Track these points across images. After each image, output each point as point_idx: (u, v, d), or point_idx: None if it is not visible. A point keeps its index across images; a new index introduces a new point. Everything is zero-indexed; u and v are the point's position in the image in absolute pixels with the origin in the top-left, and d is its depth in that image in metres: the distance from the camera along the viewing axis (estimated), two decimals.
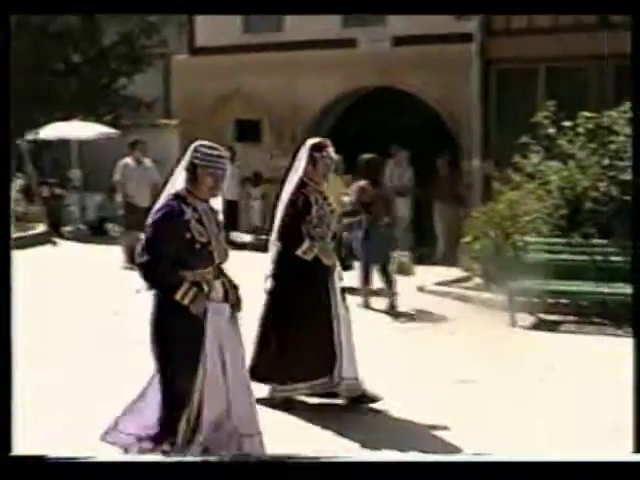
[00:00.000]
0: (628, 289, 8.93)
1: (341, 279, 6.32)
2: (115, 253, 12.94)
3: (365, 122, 15.25)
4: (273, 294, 6.19)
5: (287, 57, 16.02)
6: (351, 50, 15.74)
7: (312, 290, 6.11)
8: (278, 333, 6.15)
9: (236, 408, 4.66)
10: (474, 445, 5.43)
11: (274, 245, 6.25)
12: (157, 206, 4.68)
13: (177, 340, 4.56)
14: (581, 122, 9.94)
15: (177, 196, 4.68)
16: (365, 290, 10.03)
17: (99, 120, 17.73)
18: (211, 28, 16.83)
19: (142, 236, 4.67)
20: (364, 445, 5.42)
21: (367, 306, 9.94)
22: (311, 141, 6.28)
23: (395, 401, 6.26)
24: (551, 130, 10.05)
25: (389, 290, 9.95)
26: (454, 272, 11.53)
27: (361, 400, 6.23)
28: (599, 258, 9.31)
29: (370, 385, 6.29)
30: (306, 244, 6.09)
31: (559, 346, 8.21)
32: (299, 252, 6.09)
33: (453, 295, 10.56)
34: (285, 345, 6.11)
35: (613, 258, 9.26)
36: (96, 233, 16.43)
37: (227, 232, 12.14)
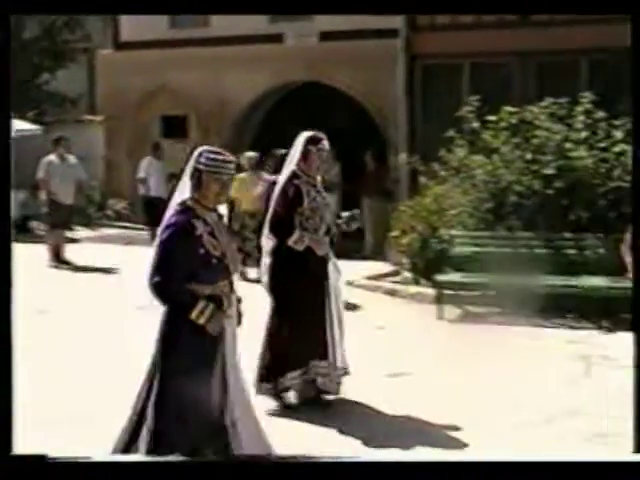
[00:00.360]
0: (552, 280, 9.16)
1: (339, 272, 6.28)
2: (40, 251, 12.73)
3: (293, 117, 15.26)
4: (272, 290, 6.11)
5: (214, 52, 15.93)
6: (278, 45, 15.73)
7: (307, 282, 6.03)
8: (278, 328, 6.06)
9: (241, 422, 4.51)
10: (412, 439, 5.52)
11: (268, 238, 6.16)
12: (165, 220, 4.44)
13: (191, 358, 4.33)
14: (504, 117, 10.08)
15: (185, 208, 4.44)
16: None
17: (21, 116, 17.35)
18: (136, 23, 16.63)
19: (152, 254, 4.40)
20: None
21: None
22: (306, 133, 6.19)
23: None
24: (475, 124, 10.18)
25: None
26: (383, 266, 11.63)
27: (314, 400, 6.15)
28: (523, 250, 9.48)
29: None
30: (296, 234, 6.02)
31: (486, 338, 8.34)
32: (290, 242, 6.02)
33: (382, 289, 10.64)
34: (282, 339, 6.02)
35: (537, 250, 9.45)
36: (20, 231, 16.04)
37: (153, 229, 12.08)
